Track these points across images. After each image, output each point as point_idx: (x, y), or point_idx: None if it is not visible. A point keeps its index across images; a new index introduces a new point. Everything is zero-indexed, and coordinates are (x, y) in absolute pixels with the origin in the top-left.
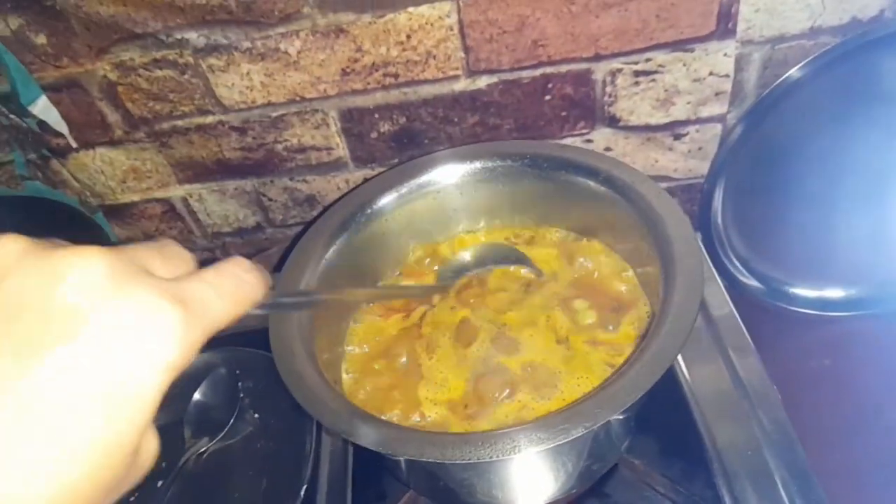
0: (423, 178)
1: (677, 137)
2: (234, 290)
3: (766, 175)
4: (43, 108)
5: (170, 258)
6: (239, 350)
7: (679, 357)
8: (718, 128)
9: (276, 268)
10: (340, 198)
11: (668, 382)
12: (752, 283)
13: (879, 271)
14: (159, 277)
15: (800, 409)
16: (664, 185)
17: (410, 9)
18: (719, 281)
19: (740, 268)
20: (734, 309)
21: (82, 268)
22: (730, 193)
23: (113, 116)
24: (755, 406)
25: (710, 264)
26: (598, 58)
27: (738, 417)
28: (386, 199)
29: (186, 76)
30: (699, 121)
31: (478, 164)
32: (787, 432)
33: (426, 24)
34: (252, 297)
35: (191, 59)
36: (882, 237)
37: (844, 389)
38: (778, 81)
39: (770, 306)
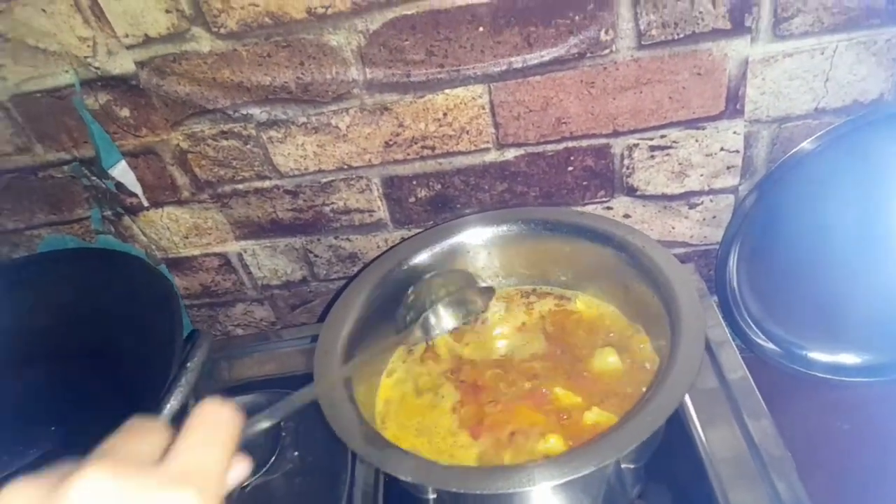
0: (455, 240)
1: (692, 206)
2: (216, 436)
3: (778, 242)
4: (121, 171)
5: (146, 436)
6: (283, 392)
7: (694, 416)
8: (731, 198)
9: (320, 318)
10: (379, 255)
11: (683, 439)
12: (769, 345)
13: (895, 338)
14: (154, 464)
15: (815, 472)
16: (681, 250)
17: (447, 90)
18: (734, 344)
19: (756, 330)
20: (748, 372)
21: (91, 490)
22: (744, 259)
23: (182, 180)
24: (768, 469)
25: (726, 326)
26: (616, 134)
27: (751, 478)
28: (420, 258)
29: (248, 146)
30: (712, 191)
31: (504, 228)
32: (799, 496)
33: (461, 103)
34: (234, 431)
35: (253, 132)
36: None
37: (861, 455)
38: (786, 157)
39: (787, 369)
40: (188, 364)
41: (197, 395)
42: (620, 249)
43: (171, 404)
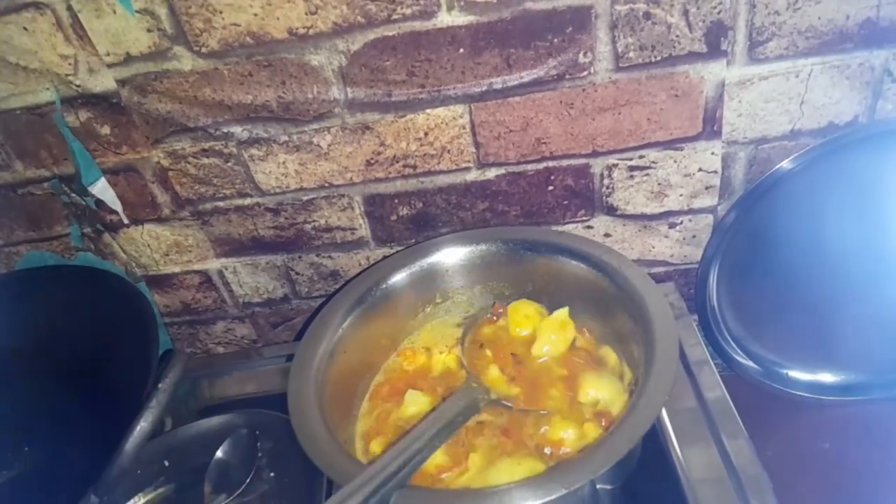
0: (433, 258)
1: (672, 226)
2: None
3: (758, 261)
4: (101, 188)
5: None
6: (259, 412)
7: (672, 436)
8: (710, 217)
9: (298, 336)
10: (357, 274)
11: (660, 459)
12: (749, 363)
13: (874, 357)
14: None
15: (795, 492)
16: (661, 269)
17: (428, 110)
18: (712, 363)
19: (736, 348)
20: (726, 391)
21: None
22: (724, 278)
23: (162, 197)
24: (745, 489)
25: (706, 345)
26: (595, 154)
27: (727, 499)
28: (398, 277)
29: (230, 164)
30: (691, 211)
31: (482, 247)
32: None
33: (442, 123)
34: None
35: (234, 150)
36: (875, 324)
37: (840, 474)
38: (764, 177)
39: (767, 388)
40: (160, 385)
41: (172, 414)
42: (597, 269)
43: (143, 426)
